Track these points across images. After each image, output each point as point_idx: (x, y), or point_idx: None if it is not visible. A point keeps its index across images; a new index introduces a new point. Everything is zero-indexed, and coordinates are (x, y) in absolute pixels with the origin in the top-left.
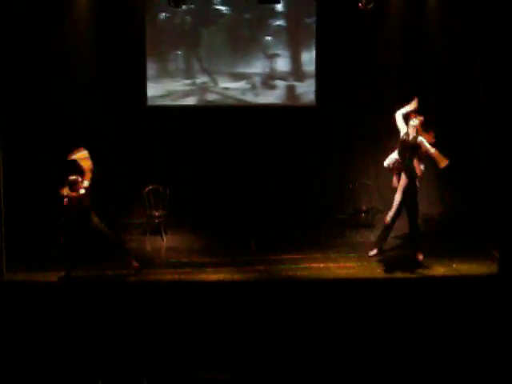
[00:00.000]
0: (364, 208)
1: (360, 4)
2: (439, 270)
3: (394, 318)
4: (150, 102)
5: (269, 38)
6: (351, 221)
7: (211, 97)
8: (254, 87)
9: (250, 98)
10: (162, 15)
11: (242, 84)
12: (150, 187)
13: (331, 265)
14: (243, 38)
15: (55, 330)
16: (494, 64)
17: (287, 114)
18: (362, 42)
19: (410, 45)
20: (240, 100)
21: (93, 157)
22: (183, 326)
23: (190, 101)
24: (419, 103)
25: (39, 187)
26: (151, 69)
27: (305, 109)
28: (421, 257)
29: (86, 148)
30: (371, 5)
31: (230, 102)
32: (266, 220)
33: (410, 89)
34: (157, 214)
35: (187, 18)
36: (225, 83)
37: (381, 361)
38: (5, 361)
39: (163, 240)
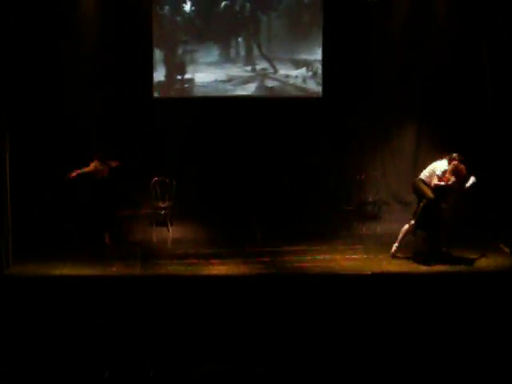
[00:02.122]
0: (371, 200)
1: None
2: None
3: (400, 310)
4: (209, 86)
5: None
6: (358, 213)
7: (271, 83)
8: (315, 74)
9: (312, 85)
10: (223, 3)
11: (302, 71)
12: (157, 179)
13: (337, 257)
14: (304, 23)
15: (62, 322)
16: (500, 62)
17: (294, 105)
18: (374, 36)
19: (416, 39)
20: (301, 88)
21: (99, 150)
22: (189, 318)
23: (251, 87)
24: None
25: (45, 180)
26: (213, 55)
27: (313, 100)
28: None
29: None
30: None
31: (290, 89)
32: (272, 211)
33: (415, 83)
34: (163, 205)
35: (247, 4)
36: (285, 70)
37: (385, 354)
38: (11, 353)
39: (169, 231)
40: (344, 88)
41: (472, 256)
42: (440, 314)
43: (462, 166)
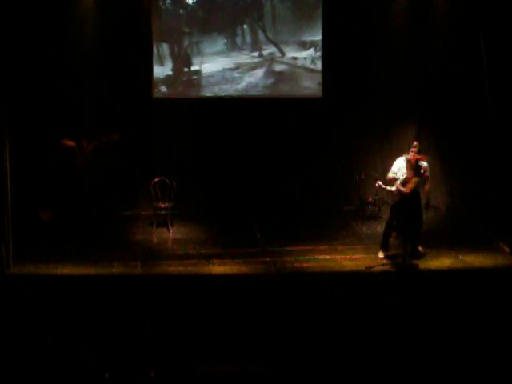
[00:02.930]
0: (371, 200)
1: None
2: (446, 261)
3: (400, 309)
4: (217, 76)
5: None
6: (358, 212)
7: (279, 67)
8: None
9: (321, 66)
10: None
11: (310, 52)
12: (157, 179)
13: (338, 257)
14: (307, 4)
15: (62, 322)
16: (500, 63)
17: (294, 105)
18: (374, 35)
19: (418, 38)
20: (310, 69)
21: (99, 149)
22: (190, 318)
23: (259, 73)
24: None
25: (46, 178)
26: (219, 44)
27: (312, 101)
28: (421, 249)
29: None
30: None
31: (299, 72)
32: (272, 212)
33: (415, 84)
34: (163, 205)
35: None
36: (292, 53)
37: (385, 353)
38: (12, 353)
39: (170, 232)
40: (343, 89)
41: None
42: (440, 312)
43: (411, 157)
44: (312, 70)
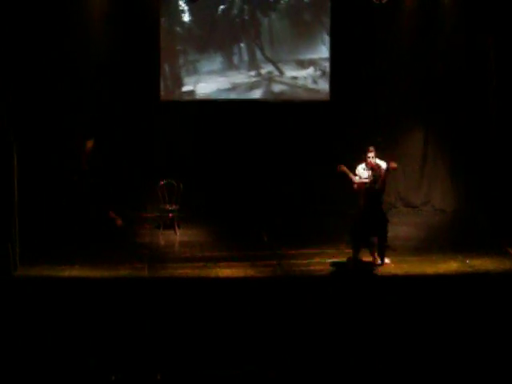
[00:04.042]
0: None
1: None
2: (453, 265)
3: (408, 312)
4: (214, 96)
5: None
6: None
7: (278, 88)
8: (324, 74)
9: (323, 85)
10: (220, 8)
11: (310, 71)
12: (164, 181)
13: (345, 260)
14: (305, 22)
15: (69, 324)
16: (508, 66)
17: (301, 109)
18: (380, 39)
19: (424, 41)
20: (311, 89)
21: (106, 152)
22: (197, 321)
23: (257, 94)
24: None
25: (53, 180)
26: (216, 63)
27: (319, 104)
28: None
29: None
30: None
31: (300, 92)
32: (279, 214)
33: (422, 87)
34: (170, 208)
35: (245, 7)
36: (291, 72)
37: (394, 357)
38: (19, 355)
39: (176, 234)
40: (351, 92)
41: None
42: (447, 316)
43: (369, 161)
44: (314, 90)
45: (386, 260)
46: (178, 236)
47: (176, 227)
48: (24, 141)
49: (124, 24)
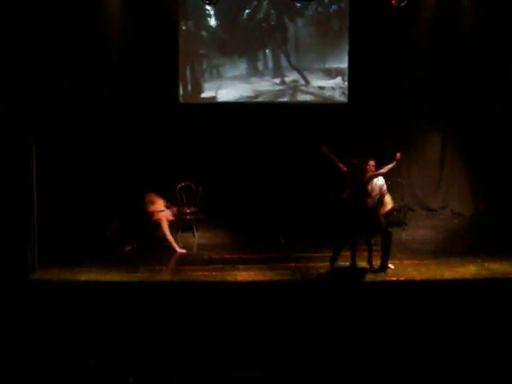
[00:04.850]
0: (396, 206)
1: (393, 1)
2: (471, 269)
3: (426, 317)
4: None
5: None
6: (383, 219)
7: (304, 97)
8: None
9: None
10: (246, 12)
11: (337, 81)
12: (183, 184)
13: (361, 263)
14: (333, 30)
15: (87, 327)
16: None
17: (319, 112)
18: (400, 43)
19: (441, 44)
20: (340, 103)
21: (125, 155)
22: (214, 324)
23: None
24: None
25: (70, 184)
26: (240, 69)
27: (337, 107)
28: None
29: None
30: (404, 2)
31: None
32: (297, 217)
33: (440, 91)
34: (188, 210)
35: (272, 11)
36: (317, 81)
37: (410, 363)
38: (37, 358)
39: (195, 237)
40: (369, 95)
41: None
42: (465, 320)
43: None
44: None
45: (390, 265)
46: (197, 238)
47: (194, 230)
48: (40, 142)
49: (141, 27)
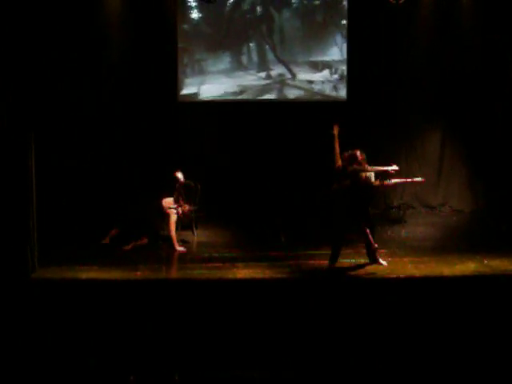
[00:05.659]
0: (396, 204)
1: None
2: (471, 265)
3: (426, 314)
4: (223, 98)
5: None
6: (383, 216)
7: (292, 92)
8: (342, 78)
9: (343, 92)
10: (229, 1)
11: (325, 74)
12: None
13: (362, 260)
14: (318, 23)
15: (88, 326)
16: None
17: (318, 109)
18: (399, 40)
19: (441, 42)
20: (330, 96)
21: (125, 155)
22: (214, 322)
23: (268, 97)
24: None
25: (70, 184)
26: (223, 63)
27: (336, 105)
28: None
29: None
30: (402, 0)
31: (319, 98)
32: (296, 215)
33: (440, 89)
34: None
35: (257, 2)
36: (304, 74)
37: (412, 361)
38: (37, 357)
39: (194, 235)
40: (368, 93)
41: None
42: (464, 317)
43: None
44: (331, 97)
45: (383, 262)
46: (196, 236)
47: (194, 228)
48: (40, 140)
49: (141, 27)
